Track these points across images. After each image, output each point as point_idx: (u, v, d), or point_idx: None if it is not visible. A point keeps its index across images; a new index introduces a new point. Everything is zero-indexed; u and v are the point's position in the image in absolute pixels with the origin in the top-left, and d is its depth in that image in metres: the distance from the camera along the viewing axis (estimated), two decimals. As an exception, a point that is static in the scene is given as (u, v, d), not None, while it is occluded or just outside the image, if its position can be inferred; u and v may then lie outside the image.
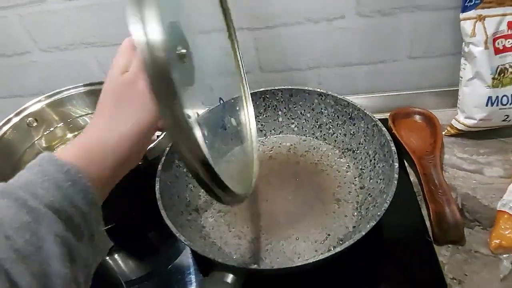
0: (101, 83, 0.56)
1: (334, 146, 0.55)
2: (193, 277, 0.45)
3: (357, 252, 0.42)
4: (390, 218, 0.46)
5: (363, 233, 0.36)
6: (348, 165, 0.52)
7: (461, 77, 0.53)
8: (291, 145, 0.57)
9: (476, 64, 0.49)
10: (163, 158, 0.48)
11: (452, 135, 0.55)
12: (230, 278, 0.36)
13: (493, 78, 0.49)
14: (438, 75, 0.57)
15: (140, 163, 0.45)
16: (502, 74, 0.50)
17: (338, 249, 0.36)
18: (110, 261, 0.50)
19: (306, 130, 0.57)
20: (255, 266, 0.36)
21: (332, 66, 0.59)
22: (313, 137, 0.57)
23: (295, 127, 0.58)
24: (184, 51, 0.31)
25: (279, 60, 0.59)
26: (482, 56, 0.49)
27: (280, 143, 0.57)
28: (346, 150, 0.53)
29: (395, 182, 0.40)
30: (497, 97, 0.50)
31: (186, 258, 0.48)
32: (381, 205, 0.39)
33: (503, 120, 0.52)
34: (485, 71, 0.49)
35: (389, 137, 0.45)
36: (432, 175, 0.48)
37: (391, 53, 0.56)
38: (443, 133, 0.55)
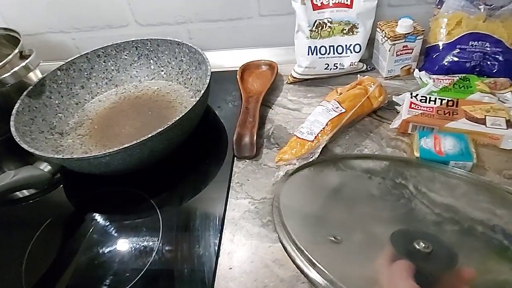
0: None
1: (190, 89, 0.64)
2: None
3: (174, 159, 0.52)
4: (213, 139, 0.56)
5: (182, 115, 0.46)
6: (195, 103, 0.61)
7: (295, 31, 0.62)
8: (158, 88, 0.66)
9: (298, 18, 0.58)
10: (30, 87, 0.57)
11: (291, 83, 0.64)
12: (43, 165, 0.46)
13: (311, 30, 0.58)
14: (287, 32, 0.66)
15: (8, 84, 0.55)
16: (320, 28, 0.58)
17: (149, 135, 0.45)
18: None
19: (172, 76, 0.66)
20: (61, 156, 0.45)
21: (197, 21, 0.68)
22: (176, 82, 0.66)
23: (164, 73, 0.67)
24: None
25: (152, 14, 0.69)
26: (300, 11, 0.58)
27: (150, 87, 0.67)
28: (196, 91, 0.62)
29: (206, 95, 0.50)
30: (316, 47, 0.59)
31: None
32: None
33: (325, 69, 0.61)
34: (304, 24, 0.58)
35: (209, 73, 0.54)
36: (252, 108, 0.57)
37: (244, 11, 0.65)
38: (285, 82, 0.64)
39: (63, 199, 0.52)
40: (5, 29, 0.64)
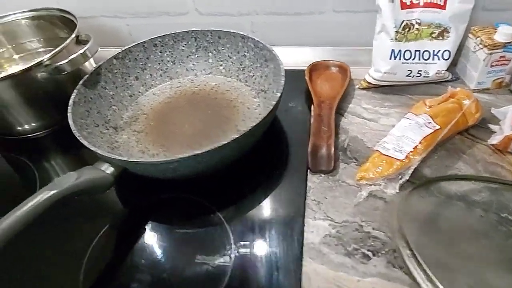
0: (46, 9, 0.62)
1: (252, 87, 0.59)
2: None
3: (240, 166, 0.47)
4: (281, 147, 0.51)
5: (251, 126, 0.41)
6: (258, 104, 0.56)
7: (375, 31, 0.55)
8: (216, 84, 0.61)
9: (382, 16, 0.52)
10: (86, 76, 0.53)
11: (364, 88, 0.58)
12: (105, 166, 0.42)
13: (397, 32, 0.52)
14: (361, 32, 0.60)
15: (64, 72, 0.51)
16: (407, 29, 0.52)
17: (212, 147, 0.40)
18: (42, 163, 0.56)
19: (232, 72, 0.61)
20: (125, 158, 0.41)
21: (262, 13, 0.62)
22: (237, 79, 0.61)
23: (223, 68, 0.62)
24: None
25: (215, 2, 0.63)
26: (386, 9, 0.51)
27: (207, 82, 0.62)
28: (260, 91, 0.57)
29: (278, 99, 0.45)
30: (400, 51, 0.53)
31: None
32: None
33: (407, 76, 0.55)
34: (390, 24, 0.52)
35: (283, 73, 0.49)
36: (325, 116, 0.52)
37: (317, 5, 0.59)
38: (357, 86, 0.58)
39: (118, 202, 0.48)
40: (60, 10, 0.59)
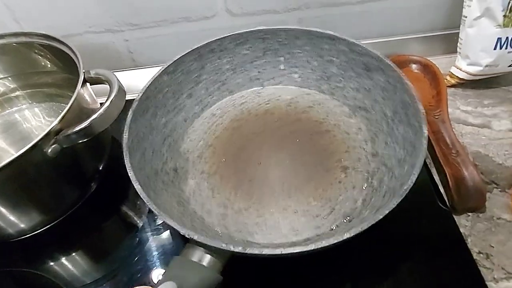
0: (14, 34, 0.43)
1: (344, 102, 0.46)
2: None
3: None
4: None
5: (386, 211, 0.29)
6: (359, 127, 0.44)
7: (465, 17, 0.45)
8: (292, 98, 0.48)
9: (486, -1, 0.42)
10: (135, 104, 0.38)
11: (451, 86, 0.49)
12: (207, 259, 0.29)
13: (504, 16, 0.42)
14: (432, 16, 0.50)
15: (85, 139, 0.34)
16: (513, 12, 0.42)
17: (346, 236, 0.27)
18: (56, 267, 0.39)
19: (311, 82, 0.48)
20: (240, 249, 0.28)
21: (315, 6, 0.48)
22: (318, 91, 0.48)
23: (298, 77, 0.49)
24: None
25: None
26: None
27: (279, 96, 0.48)
28: (357, 109, 0.45)
29: (424, 149, 0.33)
30: (507, 38, 0.43)
31: (154, 247, 0.39)
32: (403, 177, 0.33)
33: (510, 66, 0.45)
34: (497, 7, 0.42)
35: (415, 94, 0.37)
36: (442, 133, 0.41)
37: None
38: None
39: None
40: (35, 34, 0.40)
